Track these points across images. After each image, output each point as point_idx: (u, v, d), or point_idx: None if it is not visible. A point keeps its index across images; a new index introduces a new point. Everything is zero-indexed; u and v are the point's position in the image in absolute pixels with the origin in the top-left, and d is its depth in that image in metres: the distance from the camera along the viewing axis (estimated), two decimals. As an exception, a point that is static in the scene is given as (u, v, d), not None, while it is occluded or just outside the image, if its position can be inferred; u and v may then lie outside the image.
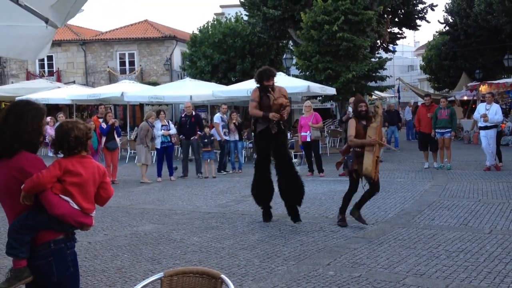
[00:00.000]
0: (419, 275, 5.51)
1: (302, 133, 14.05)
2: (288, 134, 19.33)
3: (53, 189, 3.15)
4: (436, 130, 14.08)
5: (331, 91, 19.82)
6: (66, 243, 3.29)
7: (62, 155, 3.35)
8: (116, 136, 13.79)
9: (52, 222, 3.17)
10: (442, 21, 34.44)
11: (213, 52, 28.36)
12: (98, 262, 6.48)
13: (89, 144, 10.75)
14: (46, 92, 24.16)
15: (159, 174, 13.94)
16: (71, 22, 39.95)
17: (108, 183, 3.47)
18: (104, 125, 13.40)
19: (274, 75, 8.18)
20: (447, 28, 34.27)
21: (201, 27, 30.48)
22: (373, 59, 24.40)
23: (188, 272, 3.09)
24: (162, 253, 6.78)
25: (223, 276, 3.02)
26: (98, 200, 3.42)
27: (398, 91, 44.76)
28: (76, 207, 3.22)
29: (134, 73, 34.01)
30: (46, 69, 35.59)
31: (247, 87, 17.45)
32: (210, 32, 29.43)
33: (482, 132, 13.80)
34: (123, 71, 34.76)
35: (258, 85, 8.24)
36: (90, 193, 3.30)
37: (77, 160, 3.28)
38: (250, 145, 17.43)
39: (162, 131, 13.88)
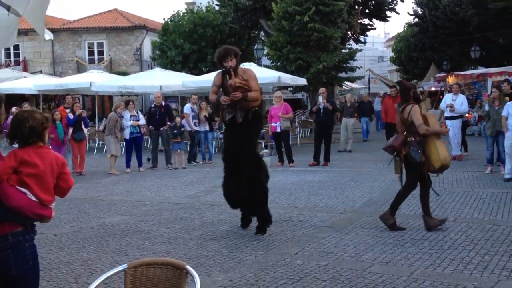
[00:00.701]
0: (384, 263, 5.58)
1: (272, 124, 14.06)
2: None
3: (9, 180, 3.07)
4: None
5: (302, 81, 19.88)
6: (25, 236, 3.22)
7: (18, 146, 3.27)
8: (83, 127, 13.57)
9: (9, 214, 3.10)
10: (412, 12, 34.82)
11: (183, 42, 28.13)
12: (63, 254, 6.38)
13: (55, 135, 10.54)
14: (11, 82, 23.63)
15: (128, 165, 13.80)
16: (38, 10, 39.10)
17: (68, 173, 3.41)
18: (71, 116, 13.18)
19: (232, 53, 6.87)
20: (416, 19, 34.66)
21: (172, 16, 30.19)
22: (343, 50, 24.55)
23: (153, 263, 3.06)
24: (129, 245, 6.71)
25: (188, 266, 3.00)
26: (58, 191, 3.36)
27: (369, 82, 45.16)
28: (34, 198, 3.15)
29: (103, 63, 33.52)
30: (12, 58, 34.80)
31: (217, 77, 17.37)
32: (180, 22, 29.18)
33: (448, 122, 13.98)
34: (91, 61, 34.22)
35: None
36: (49, 184, 3.23)
37: (33, 150, 3.20)
38: (221, 135, 17.37)
39: (131, 121, 13.72)
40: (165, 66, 27.82)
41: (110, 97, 30.12)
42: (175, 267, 3.02)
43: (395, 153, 6.93)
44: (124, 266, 3.07)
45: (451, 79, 22.30)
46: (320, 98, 13.75)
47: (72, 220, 8.28)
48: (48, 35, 4.95)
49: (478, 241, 6.19)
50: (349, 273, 5.29)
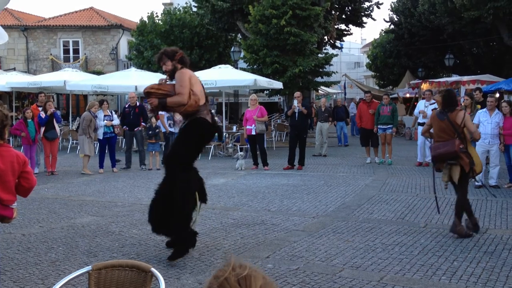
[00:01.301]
0: (355, 267, 5.59)
1: (247, 127, 14.04)
2: (234, 127, 19.33)
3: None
4: (378, 126, 14.39)
5: (278, 85, 19.90)
6: None
7: None
8: (56, 124, 13.35)
9: None
10: (388, 19, 35.22)
11: (160, 42, 27.96)
12: (31, 255, 6.26)
13: (26, 133, 10.35)
14: (-17, 78, 23.13)
15: (101, 166, 13.63)
16: (12, 6, 38.56)
17: (30, 172, 3.33)
18: (42, 115, 12.97)
19: (164, 57, 6.27)
20: (392, 26, 35.05)
21: (149, 16, 29.98)
22: (320, 55, 24.68)
23: (117, 265, 3.01)
24: (99, 246, 6.61)
25: (153, 269, 2.96)
26: (19, 190, 3.28)
27: (345, 87, 45.47)
28: (-7, 198, 3.07)
29: (79, 62, 33.12)
30: (-16, 55, 34.17)
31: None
32: (157, 21, 29.00)
33: (419, 128, 14.19)
34: (66, 59, 33.78)
35: None
36: (9, 184, 3.16)
37: None
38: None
39: (105, 121, 13.58)
40: (141, 66, 27.61)
41: (85, 96, 29.75)
42: (140, 269, 2.97)
43: (451, 159, 6.69)
44: (88, 268, 3.01)
45: (425, 86, 22.54)
46: (295, 102, 13.78)
47: (41, 220, 8.14)
48: (1, 39, 4.80)
49: (447, 247, 6.26)
50: (319, 277, 5.29)
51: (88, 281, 3.00)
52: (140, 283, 2.98)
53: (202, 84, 6.42)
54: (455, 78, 24.19)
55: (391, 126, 14.45)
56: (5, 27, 33.42)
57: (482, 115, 10.45)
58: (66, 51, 34.19)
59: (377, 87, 40.32)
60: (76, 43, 34.11)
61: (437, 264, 5.62)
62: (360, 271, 5.46)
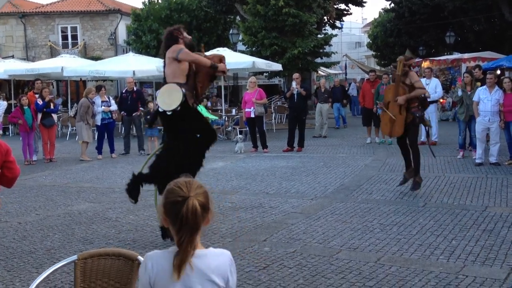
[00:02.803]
0: (352, 249, 5.54)
1: (246, 109, 13.93)
2: (233, 110, 19.23)
3: None
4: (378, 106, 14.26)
5: (277, 67, 19.76)
6: None
7: None
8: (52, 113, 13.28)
9: None
10: (388, -2, 34.82)
11: (159, 26, 27.74)
12: (26, 243, 6.21)
13: (23, 121, 10.32)
14: (-19, 67, 23.00)
15: (100, 152, 13.56)
16: (9, -7, 38.19)
17: (13, 161, 3.25)
18: (40, 101, 12.88)
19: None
20: (392, 5, 34.67)
21: (147, 1, 29.74)
22: (319, 36, 24.46)
23: (104, 254, 2.94)
24: (95, 233, 6.57)
25: (140, 257, 2.89)
26: (3, 180, 3.20)
27: (346, 68, 45.22)
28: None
29: (77, 48, 32.91)
30: (-17, 43, 34.01)
31: (191, 62, 17.15)
32: (156, 6, 28.75)
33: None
34: (65, 46, 33.57)
35: None
36: None
37: None
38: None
39: (103, 107, 13.48)
40: (140, 51, 27.44)
41: (85, 82, 29.60)
42: (126, 258, 2.90)
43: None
44: (74, 257, 2.94)
45: (426, 64, 22.36)
46: (294, 84, 13.65)
47: (38, 208, 8.09)
48: None
49: (446, 226, 6.19)
50: (316, 259, 5.24)
51: (74, 271, 2.93)
52: (127, 272, 2.91)
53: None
54: (456, 55, 23.98)
55: (391, 105, 14.32)
56: (3, 14, 33.35)
57: (482, 92, 10.32)
58: (65, 37, 33.99)
59: (378, 67, 40.06)
60: (74, 29, 33.90)
61: (435, 244, 5.55)
62: (358, 252, 5.40)
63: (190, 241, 2.09)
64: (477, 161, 10.26)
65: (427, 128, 9.06)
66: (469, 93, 11.06)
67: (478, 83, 11.69)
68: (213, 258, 2.17)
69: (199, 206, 2.09)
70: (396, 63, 8.20)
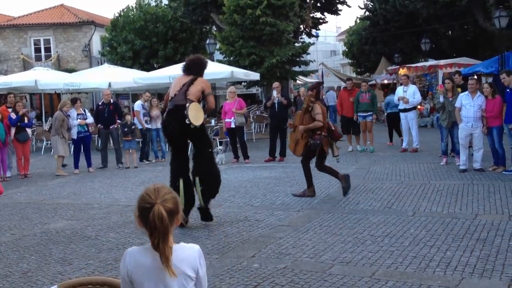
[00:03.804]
0: (345, 263, 5.33)
1: (227, 120, 13.72)
2: (212, 120, 18.99)
3: None
4: (358, 114, 14.19)
5: (255, 76, 19.61)
6: None
7: None
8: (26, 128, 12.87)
9: None
10: (362, 6, 35.06)
11: (134, 37, 27.42)
12: (1, 266, 5.87)
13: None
14: (-49, 81, 22.35)
15: (76, 166, 13.18)
16: (-21, 6, 37.46)
17: None
18: (13, 115, 12.47)
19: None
20: (367, 13, 34.90)
21: (122, 11, 29.38)
22: (296, 44, 24.42)
23: (86, 283, 2.68)
24: (74, 253, 6.25)
25: (127, 285, 2.64)
26: None
27: (322, 76, 45.33)
28: None
29: (51, 60, 32.34)
30: (-47, 56, 33.19)
31: (169, 73, 16.90)
32: (131, 17, 28.42)
33: (401, 115, 14.01)
34: (38, 58, 32.99)
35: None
36: None
37: None
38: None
39: (78, 120, 13.12)
40: (115, 62, 27.05)
41: (59, 95, 29.07)
42: (111, 286, 2.65)
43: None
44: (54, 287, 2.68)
45: (402, 71, 22.45)
46: (275, 93, 13.48)
47: (13, 227, 7.73)
48: None
49: (438, 236, 6.03)
50: (308, 275, 5.02)
51: (55, 302, 2.67)
52: (113, 302, 2.66)
53: (179, 84, 7.16)
54: (432, 62, 24.13)
55: (371, 113, 14.28)
56: (-27, 28, 32.59)
57: (464, 98, 10.27)
58: (38, 50, 33.40)
59: (354, 75, 40.25)
60: (47, 41, 33.33)
61: (430, 255, 5.38)
62: (351, 267, 5.20)
63: (165, 242, 2.30)
64: (461, 167, 10.19)
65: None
66: (450, 99, 11.01)
67: (459, 89, 11.67)
68: (182, 251, 2.38)
69: (165, 212, 2.29)
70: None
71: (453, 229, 6.26)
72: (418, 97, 13.94)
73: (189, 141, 7.69)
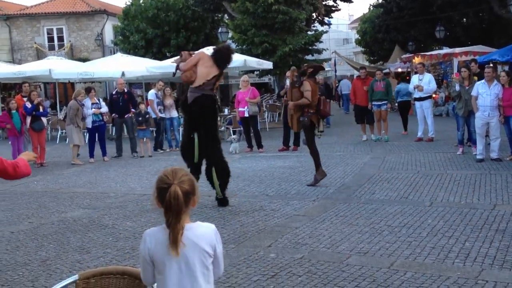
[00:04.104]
0: (362, 253, 5.32)
1: (240, 109, 13.70)
2: (226, 109, 18.97)
3: None
4: (373, 103, 14.08)
5: (268, 65, 19.52)
6: None
7: None
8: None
9: None
10: (376, -7, 34.71)
11: (146, 26, 27.39)
12: (20, 254, 5.93)
13: (12, 125, 10.03)
14: (-34, 70, 22.53)
15: (91, 155, 13.25)
16: (-8, -5, 37.64)
17: (7, 167, 3.00)
18: (28, 105, 12.55)
19: None
20: (380, 0, 34.53)
21: (134, 1, 29.34)
22: (309, 32, 24.26)
23: (107, 273, 2.70)
24: (91, 241, 6.30)
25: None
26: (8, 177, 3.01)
27: (335, 65, 45.05)
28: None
29: (64, 49, 32.43)
30: (-33, 46, 33.40)
31: (182, 62, 16.85)
32: (143, 5, 28.37)
33: (417, 103, 13.90)
34: (51, 47, 33.07)
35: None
36: None
37: None
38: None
39: (93, 109, 13.16)
40: (127, 51, 27.06)
41: (73, 85, 29.20)
42: (132, 276, 2.66)
43: None
44: (75, 277, 2.69)
45: (417, 60, 22.24)
46: (288, 82, 13.40)
47: (31, 216, 7.80)
48: None
49: (456, 226, 5.99)
50: (325, 266, 5.01)
51: (75, 292, 2.68)
52: (133, 291, 2.67)
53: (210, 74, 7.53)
54: (447, 50, 23.85)
55: (386, 102, 14.14)
56: (-13, 17, 32.73)
57: (480, 86, 10.15)
58: (51, 39, 33.48)
59: (367, 63, 39.96)
60: (60, 30, 33.40)
61: (448, 246, 5.35)
62: (368, 257, 5.18)
63: (177, 221, 2.40)
64: (478, 157, 10.10)
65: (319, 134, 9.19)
66: (467, 87, 10.89)
67: (475, 77, 11.54)
68: (199, 229, 2.51)
69: (182, 192, 2.40)
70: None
71: (472, 220, 6.21)
72: (433, 85, 13.81)
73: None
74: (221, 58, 7.59)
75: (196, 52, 8.45)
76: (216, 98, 7.76)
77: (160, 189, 2.45)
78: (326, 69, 43.49)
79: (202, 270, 2.46)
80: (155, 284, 2.52)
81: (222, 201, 7.79)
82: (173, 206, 2.38)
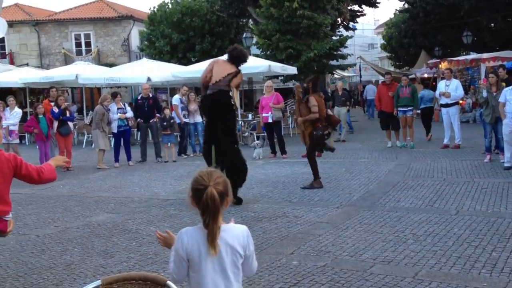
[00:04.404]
0: (386, 262, 5.25)
1: (264, 114, 13.71)
2: (250, 115, 18.99)
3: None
4: (398, 109, 13.93)
5: (292, 70, 19.49)
6: None
7: None
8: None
9: None
10: (402, -2, 34.38)
11: (171, 31, 27.63)
12: (45, 258, 6.00)
13: (39, 130, 10.19)
14: (-4, 75, 23.01)
15: (117, 159, 13.39)
16: (23, 1, 38.43)
17: (31, 172, 3.03)
18: (55, 109, 12.74)
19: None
20: (406, 5, 34.25)
21: (159, 5, 29.64)
22: (334, 37, 24.16)
23: (130, 279, 2.70)
24: (115, 246, 6.34)
25: (169, 282, 2.65)
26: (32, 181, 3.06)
27: (360, 70, 44.80)
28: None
29: (91, 55, 32.94)
30: (-3, 51, 34.15)
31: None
32: (168, 10, 28.64)
33: (443, 110, 13.72)
34: (79, 53, 33.62)
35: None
36: (1, 192, 2.84)
37: None
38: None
39: (118, 114, 13.30)
40: (153, 56, 27.35)
41: (99, 89, 29.59)
42: (154, 282, 2.66)
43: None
44: (98, 282, 2.70)
45: (444, 65, 21.97)
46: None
47: (56, 220, 7.90)
48: (1, 32, 4.60)
49: (483, 236, 5.87)
50: (349, 274, 4.96)
51: (98, 297, 2.69)
52: (156, 298, 2.67)
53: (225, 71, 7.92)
54: (474, 55, 23.51)
55: (411, 108, 13.95)
56: (17, 23, 33.42)
57: (508, 93, 9.94)
58: (78, 44, 34.05)
59: (392, 69, 39.64)
60: (87, 35, 33.95)
61: (475, 256, 5.24)
62: (393, 266, 5.11)
63: (214, 222, 2.48)
64: (506, 164, 9.91)
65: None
66: (494, 94, 10.70)
67: (503, 83, 11.35)
68: (232, 230, 2.59)
69: (217, 193, 2.48)
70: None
71: (499, 229, 6.09)
72: (460, 91, 13.60)
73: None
74: (236, 56, 8.00)
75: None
76: (232, 94, 8.07)
77: (195, 190, 2.53)
78: (350, 74, 43.31)
79: (233, 269, 2.56)
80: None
81: (237, 201, 8.02)
82: (210, 207, 2.47)
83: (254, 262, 2.72)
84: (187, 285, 2.64)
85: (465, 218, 6.67)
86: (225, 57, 8.39)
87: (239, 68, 8.06)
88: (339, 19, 27.13)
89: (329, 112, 9.40)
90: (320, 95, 9.50)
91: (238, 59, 8.01)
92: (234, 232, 2.58)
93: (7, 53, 33.90)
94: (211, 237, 2.48)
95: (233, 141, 8.16)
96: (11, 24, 32.65)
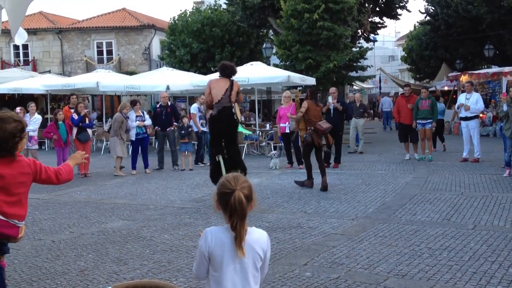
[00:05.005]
0: (400, 276, 5.18)
1: (281, 124, 13.70)
2: (267, 125, 18.98)
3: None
4: (418, 121, 13.82)
5: (311, 81, 19.47)
6: None
7: None
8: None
9: None
10: (423, 11, 34.25)
11: (192, 40, 27.84)
12: (59, 263, 6.04)
13: (58, 136, 10.27)
14: (19, 81, 23.36)
15: (134, 167, 13.47)
16: (47, 10, 39.08)
17: (50, 175, 3.07)
18: (75, 116, 12.89)
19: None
20: (428, 18, 34.09)
21: (180, 15, 29.90)
22: (354, 49, 24.10)
23: (140, 286, 2.71)
24: (129, 253, 6.36)
25: (179, 289, 2.66)
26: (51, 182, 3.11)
27: (380, 82, 44.64)
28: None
29: (112, 63, 33.32)
30: (21, 58, 34.67)
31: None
32: (188, 20, 28.89)
33: (463, 123, 13.58)
34: (100, 61, 34.03)
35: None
36: (19, 196, 2.87)
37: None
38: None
39: (137, 122, 13.41)
40: (173, 65, 27.55)
41: (119, 97, 29.89)
42: (165, 291, 2.66)
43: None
44: (108, 289, 2.71)
45: (464, 78, 21.79)
46: (330, 99, 13.38)
47: (72, 225, 7.96)
48: (20, 39, 4.66)
49: (500, 251, 5.77)
50: (362, 287, 4.90)
51: (108, 304, 2.70)
52: (165, 306, 2.67)
53: (223, 88, 8.74)
54: (495, 69, 23.29)
55: (430, 121, 13.82)
56: (40, 30, 34.00)
57: (529, 107, 9.83)
58: (100, 52, 34.46)
59: (412, 81, 39.41)
60: (109, 44, 34.35)
61: (491, 271, 5.15)
62: (407, 280, 5.05)
63: (242, 224, 2.59)
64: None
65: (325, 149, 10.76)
66: (515, 108, 10.56)
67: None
68: (255, 234, 2.71)
69: (244, 197, 2.58)
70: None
71: (517, 245, 5.98)
72: (480, 104, 13.44)
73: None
74: (224, 69, 8.81)
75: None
76: (234, 110, 8.85)
77: (222, 194, 2.63)
78: (369, 86, 43.13)
79: (253, 272, 2.67)
80: None
81: None
82: (238, 211, 2.56)
83: (267, 267, 2.83)
84: (207, 283, 2.73)
85: (482, 233, 6.57)
86: (216, 75, 9.41)
87: (232, 78, 8.84)
88: (359, 30, 27.07)
89: (321, 123, 10.17)
90: (318, 104, 10.46)
91: (226, 71, 8.78)
92: (256, 236, 2.70)
93: (30, 60, 34.44)
94: (239, 239, 2.58)
95: (237, 148, 9.43)
96: (35, 31, 33.30)
